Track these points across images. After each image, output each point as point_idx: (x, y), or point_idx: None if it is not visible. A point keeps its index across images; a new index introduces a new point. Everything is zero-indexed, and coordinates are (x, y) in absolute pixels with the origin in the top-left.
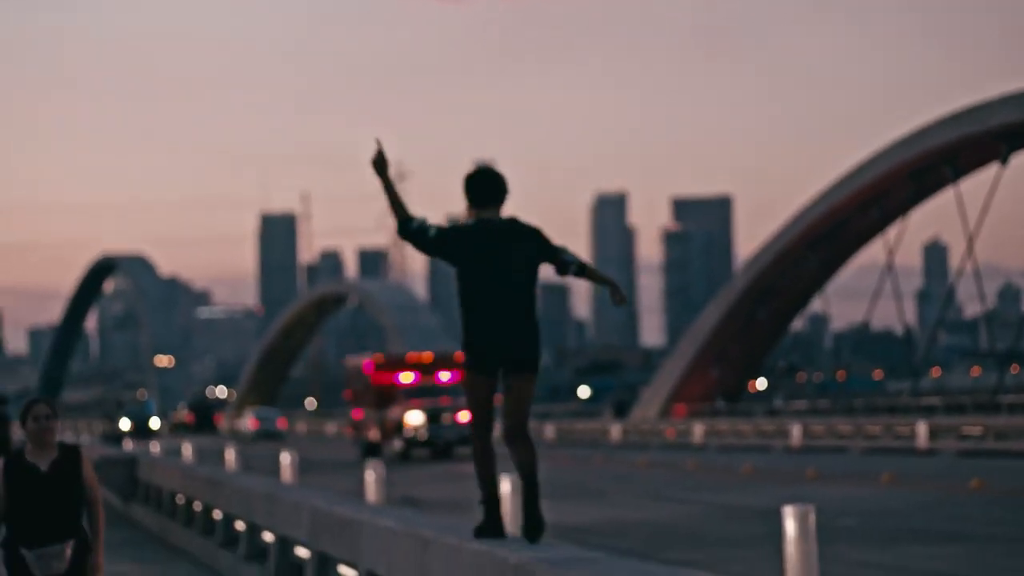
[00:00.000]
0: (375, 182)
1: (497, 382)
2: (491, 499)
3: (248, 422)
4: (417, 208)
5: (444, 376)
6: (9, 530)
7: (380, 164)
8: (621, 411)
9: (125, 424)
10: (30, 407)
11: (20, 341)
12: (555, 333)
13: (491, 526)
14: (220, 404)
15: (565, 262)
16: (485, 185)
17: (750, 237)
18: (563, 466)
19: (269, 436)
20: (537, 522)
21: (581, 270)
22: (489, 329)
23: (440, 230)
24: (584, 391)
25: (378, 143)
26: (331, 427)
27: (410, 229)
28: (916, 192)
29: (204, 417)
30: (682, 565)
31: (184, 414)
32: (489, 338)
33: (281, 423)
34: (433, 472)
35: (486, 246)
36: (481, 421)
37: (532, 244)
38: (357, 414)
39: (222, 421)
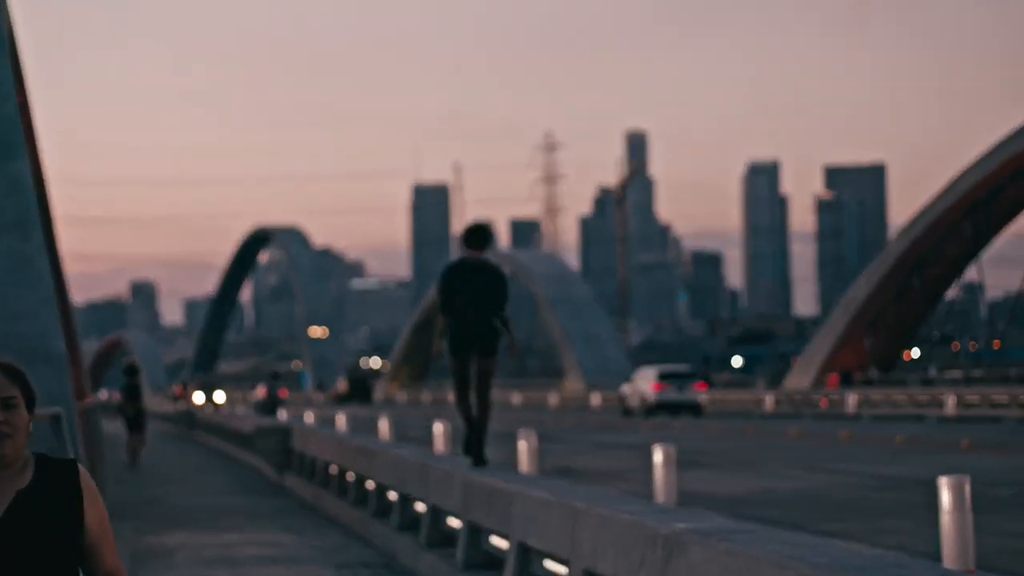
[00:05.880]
0: (525, 154)
1: (470, 361)
2: (471, 433)
3: (258, 392)
4: (567, 179)
5: None
6: None
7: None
8: (847, 380)
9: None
10: None
11: (176, 313)
12: (708, 303)
13: (472, 448)
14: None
15: (501, 316)
16: (475, 236)
17: (904, 205)
18: (715, 436)
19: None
20: (481, 458)
21: (504, 323)
22: (464, 330)
23: (440, 302)
24: (737, 360)
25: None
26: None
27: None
28: None
29: (362, 388)
30: (835, 536)
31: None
32: (464, 336)
33: (282, 392)
34: (587, 443)
35: (463, 278)
36: (461, 386)
37: (495, 279)
38: None
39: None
